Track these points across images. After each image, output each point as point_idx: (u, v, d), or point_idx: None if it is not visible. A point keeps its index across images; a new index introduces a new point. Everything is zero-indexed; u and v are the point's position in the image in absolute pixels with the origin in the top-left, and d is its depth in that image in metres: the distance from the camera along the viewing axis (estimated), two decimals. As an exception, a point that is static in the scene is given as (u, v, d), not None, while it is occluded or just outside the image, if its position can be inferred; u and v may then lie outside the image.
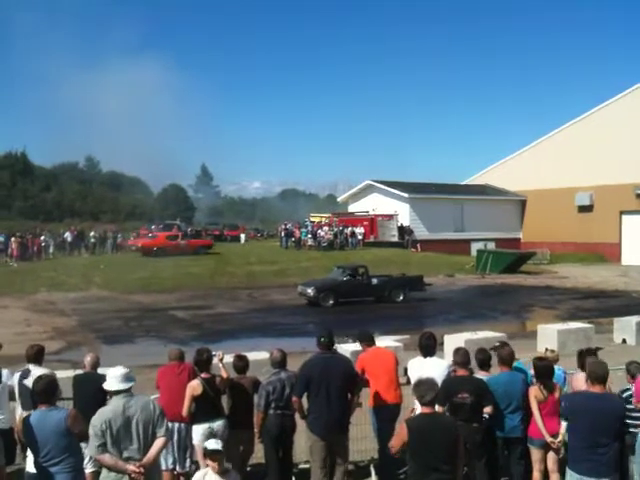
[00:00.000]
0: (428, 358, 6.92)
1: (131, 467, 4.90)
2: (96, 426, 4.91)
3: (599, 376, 5.47)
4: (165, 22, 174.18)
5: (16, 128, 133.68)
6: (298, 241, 40.81)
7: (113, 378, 5.10)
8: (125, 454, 4.96)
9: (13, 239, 35.02)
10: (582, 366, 7.01)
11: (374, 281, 24.26)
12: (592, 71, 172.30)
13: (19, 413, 6.64)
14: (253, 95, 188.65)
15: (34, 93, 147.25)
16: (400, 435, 5.07)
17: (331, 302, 23.46)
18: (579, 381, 6.55)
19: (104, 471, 5.06)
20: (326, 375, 6.41)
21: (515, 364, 7.08)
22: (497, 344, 7.23)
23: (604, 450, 5.26)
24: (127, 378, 5.13)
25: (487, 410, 6.28)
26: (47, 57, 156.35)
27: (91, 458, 6.36)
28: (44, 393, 5.13)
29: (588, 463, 5.30)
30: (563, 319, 18.84)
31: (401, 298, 24.22)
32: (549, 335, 14.49)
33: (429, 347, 6.99)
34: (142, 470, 4.91)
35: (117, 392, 5.08)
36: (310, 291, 23.66)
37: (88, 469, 6.08)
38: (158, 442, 5.09)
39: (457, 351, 6.70)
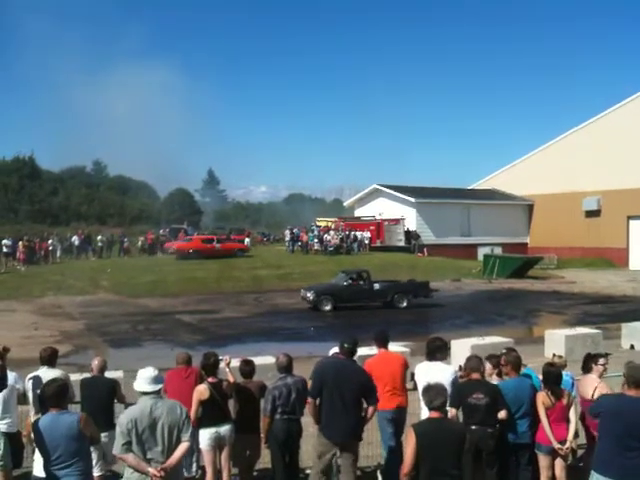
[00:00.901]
0: (434, 362, 6.91)
1: (152, 470, 4.91)
2: (123, 424, 4.95)
3: (637, 380, 5.29)
4: (172, 26, 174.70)
5: (24, 132, 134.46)
6: (305, 245, 40.83)
7: (142, 379, 5.13)
8: (148, 455, 4.98)
9: (21, 243, 35.14)
10: (588, 370, 6.98)
11: (376, 286, 24.09)
12: (600, 76, 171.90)
13: (31, 416, 6.66)
14: (259, 99, 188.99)
15: (42, 97, 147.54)
16: (409, 442, 5.04)
17: (329, 307, 23.46)
18: (587, 385, 6.52)
19: (127, 471, 5.07)
20: (341, 380, 6.34)
21: (525, 370, 7.06)
22: (504, 351, 7.20)
23: (634, 454, 5.12)
24: (156, 380, 5.16)
25: (501, 415, 6.24)
26: (55, 62, 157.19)
27: (98, 462, 6.39)
28: (55, 397, 5.14)
29: (616, 467, 5.17)
30: (571, 324, 18.77)
31: (404, 304, 23.96)
32: (557, 340, 14.43)
33: (436, 351, 6.98)
34: (163, 473, 4.91)
35: (145, 393, 5.09)
36: (309, 295, 23.73)
37: (95, 473, 6.10)
38: (182, 446, 5.10)
39: (469, 359, 6.71)
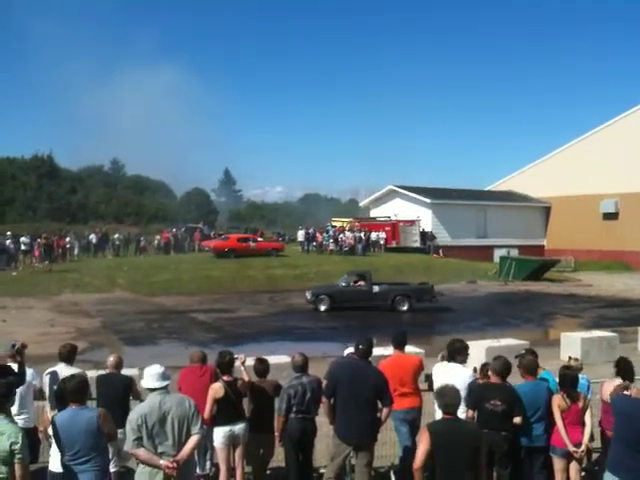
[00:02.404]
0: (453, 364, 6.88)
1: (165, 462, 4.98)
2: (132, 420, 5.03)
3: None
4: (188, 27, 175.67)
5: (43, 131, 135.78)
6: (320, 245, 40.88)
7: (150, 376, 5.22)
8: (160, 449, 5.04)
9: (38, 241, 35.47)
10: (617, 374, 6.87)
11: (376, 289, 23.73)
12: (619, 78, 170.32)
13: (47, 412, 6.72)
14: (275, 100, 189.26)
15: (61, 97, 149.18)
16: (422, 440, 5.04)
17: (324, 307, 23.53)
18: (609, 389, 6.44)
19: (140, 466, 5.13)
20: (355, 381, 6.34)
21: (543, 373, 7.01)
22: (522, 352, 7.16)
23: None
24: (163, 376, 5.26)
25: (517, 420, 6.19)
26: (73, 62, 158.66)
27: (113, 458, 6.43)
28: (76, 392, 5.19)
29: (626, 468, 5.17)
30: (587, 327, 18.64)
31: (405, 308, 23.60)
32: (572, 343, 14.34)
33: (456, 353, 6.93)
34: (175, 465, 4.98)
35: (153, 389, 5.18)
36: (308, 295, 23.87)
37: (110, 468, 6.14)
38: (193, 439, 5.17)
39: (496, 359, 6.64)
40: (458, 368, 6.85)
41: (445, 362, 7.01)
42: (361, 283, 23.94)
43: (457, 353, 6.92)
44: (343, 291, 23.92)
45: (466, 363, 7.02)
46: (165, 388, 5.22)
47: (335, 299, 23.67)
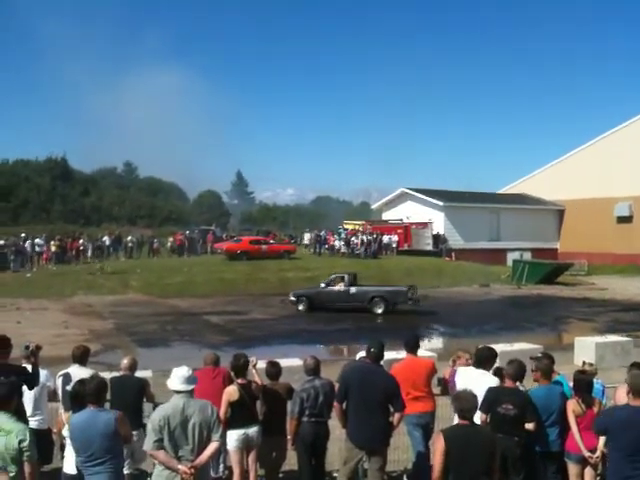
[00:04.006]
0: (481, 371, 6.76)
1: (182, 467, 4.96)
2: (155, 421, 5.00)
3: None
4: (201, 29, 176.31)
5: (57, 134, 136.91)
6: (331, 248, 40.89)
7: (177, 378, 5.17)
8: (179, 453, 5.03)
9: (52, 243, 35.74)
10: None
11: (352, 290, 24.02)
12: (633, 81, 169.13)
13: (60, 414, 6.76)
14: (287, 103, 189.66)
15: (74, 100, 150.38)
16: (437, 447, 5.01)
17: (302, 307, 24.27)
18: (623, 395, 6.38)
19: (157, 468, 5.13)
20: (366, 385, 6.31)
21: (557, 378, 6.96)
22: (539, 354, 7.09)
23: None
24: (190, 380, 5.21)
25: (529, 426, 6.11)
26: (87, 64, 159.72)
27: (126, 460, 6.45)
28: (95, 394, 5.21)
29: (629, 479, 5.17)
30: (601, 332, 18.48)
31: (380, 310, 23.45)
32: (587, 348, 14.23)
33: (485, 361, 6.83)
34: (192, 471, 4.96)
35: (179, 392, 5.14)
36: (291, 296, 24.77)
37: (124, 471, 6.16)
38: (212, 446, 5.14)
39: (510, 362, 6.57)
40: (487, 375, 6.72)
41: (472, 368, 6.94)
42: (340, 285, 24.20)
43: (487, 361, 6.83)
44: (320, 292, 24.54)
45: (490, 369, 6.92)
46: (190, 392, 5.19)
47: (313, 300, 24.36)
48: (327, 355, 17.19)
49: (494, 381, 6.60)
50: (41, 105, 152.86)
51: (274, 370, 7.06)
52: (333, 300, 24.11)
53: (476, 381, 6.42)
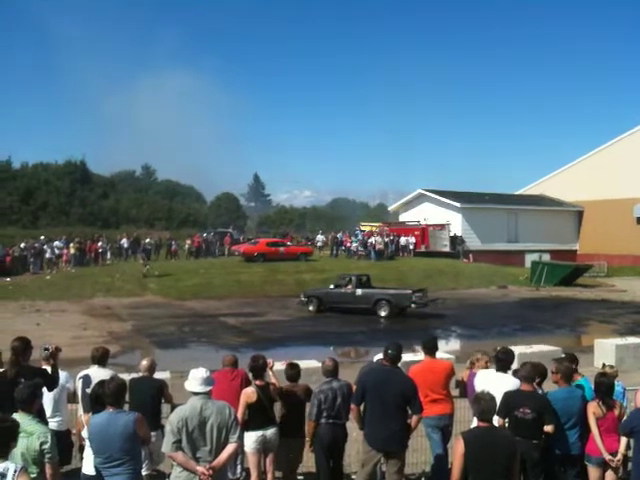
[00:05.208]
0: (503, 374, 6.70)
1: (201, 468, 4.96)
2: (173, 422, 5.01)
3: None
4: (218, 31, 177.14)
5: (76, 137, 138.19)
6: (348, 250, 40.89)
7: (194, 379, 5.18)
8: (197, 454, 5.03)
9: (71, 245, 36.04)
10: None
11: (358, 292, 24.05)
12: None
13: (80, 415, 6.80)
14: (304, 104, 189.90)
15: (94, 103, 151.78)
16: (457, 450, 4.98)
17: (312, 307, 24.63)
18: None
19: (175, 469, 5.12)
20: (383, 387, 6.29)
21: (580, 380, 6.88)
22: (562, 355, 7.02)
23: None
24: (208, 381, 5.22)
25: (548, 429, 6.06)
26: (105, 68, 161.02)
27: (145, 461, 6.47)
28: (115, 395, 5.23)
29: None
30: (621, 334, 18.27)
31: (384, 313, 23.32)
32: (607, 350, 14.08)
33: (505, 362, 6.78)
34: (211, 472, 4.96)
35: (196, 393, 5.15)
36: (301, 297, 25.16)
37: (143, 472, 6.18)
38: (230, 447, 5.13)
39: (523, 365, 6.53)
40: (508, 377, 6.66)
41: (492, 370, 6.88)
42: (348, 286, 24.30)
43: (506, 363, 6.78)
44: (329, 293, 24.84)
45: (508, 371, 6.87)
46: (208, 393, 5.19)
47: (322, 301, 24.64)
48: (344, 357, 17.17)
49: (514, 383, 6.53)
50: (60, 109, 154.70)
51: (294, 372, 7.04)
52: (340, 301, 24.34)
53: (496, 383, 6.37)
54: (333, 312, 24.09)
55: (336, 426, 6.65)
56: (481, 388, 6.21)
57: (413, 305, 23.02)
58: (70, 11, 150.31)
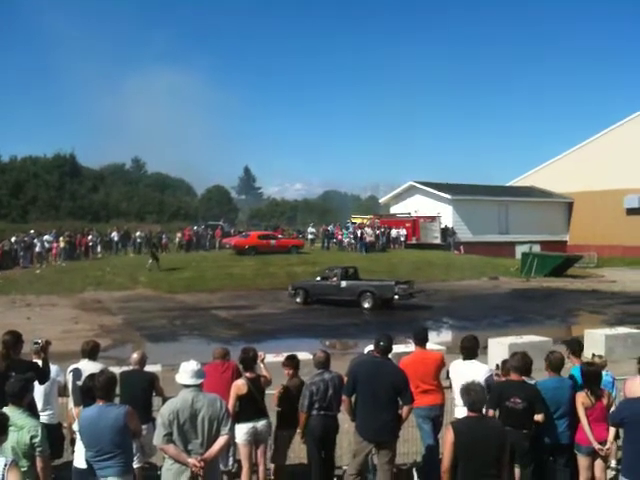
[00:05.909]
0: (470, 361, 6.85)
1: (192, 460, 4.96)
2: (164, 415, 5.01)
3: None
4: (207, 27, 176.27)
5: (65, 130, 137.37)
6: (340, 242, 40.92)
7: (185, 372, 5.19)
8: (188, 447, 5.03)
9: (61, 239, 35.87)
10: None
11: (343, 284, 24.17)
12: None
13: (71, 408, 6.79)
14: (295, 98, 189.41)
15: (83, 97, 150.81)
16: (447, 440, 5.01)
17: (299, 299, 24.94)
18: (635, 386, 6.34)
19: (167, 462, 5.13)
20: (374, 378, 6.32)
21: (575, 368, 6.93)
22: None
23: None
24: (198, 374, 5.22)
25: (538, 418, 6.11)
26: (95, 62, 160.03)
27: (136, 454, 6.47)
28: (105, 388, 5.22)
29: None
30: (610, 324, 18.40)
31: (368, 305, 23.32)
32: (596, 340, 14.17)
33: (470, 349, 6.91)
34: (202, 464, 4.97)
35: (187, 386, 5.16)
36: (289, 288, 25.52)
37: (134, 465, 6.18)
38: (221, 439, 5.14)
39: (513, 355, 6.58)
40: (476, 365, 6.80)
41: (459, 360, 6.96)
42: (334, 279, 24.41)
43: (472, 350, 6.90)
44: (315, 285, 25.08)
45: (476, 358, 6.96)
46: (199, 386, 5.20)
47: (309, 293, 24.93)
48: (335, 348, 17.21)
49: (485, 369, 6.72)
50: (50, 102, 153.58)
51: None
52: (326, 293, 24.53)
53: (465, 371, 6.49)
54: (323, 305, 24.10)
55: (327, 417, 6.67)
56: (456, 378, 6.29)
57: (396, 297, 22.99)
58: (59, 5, 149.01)
